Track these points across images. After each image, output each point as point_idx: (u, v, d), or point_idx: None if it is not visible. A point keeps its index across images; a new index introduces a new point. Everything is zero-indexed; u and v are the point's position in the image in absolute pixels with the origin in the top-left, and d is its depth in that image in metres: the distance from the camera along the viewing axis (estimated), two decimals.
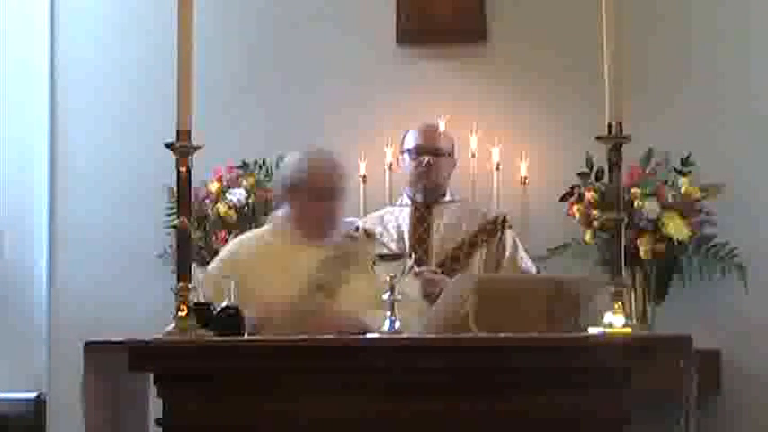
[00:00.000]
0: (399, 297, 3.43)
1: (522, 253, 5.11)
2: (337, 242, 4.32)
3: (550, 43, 6.00)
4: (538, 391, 3.19)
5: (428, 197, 5.18)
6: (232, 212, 5.84)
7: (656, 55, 5.93)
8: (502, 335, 3.29)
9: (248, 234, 4.61)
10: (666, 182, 5.71)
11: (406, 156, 5.20)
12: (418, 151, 5.15)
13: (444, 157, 5.17)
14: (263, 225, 5.71)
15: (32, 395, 5.84)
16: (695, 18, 6.01)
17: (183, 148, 3.33)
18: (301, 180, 4.31)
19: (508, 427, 3.20)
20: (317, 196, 4.29)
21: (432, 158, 5.11)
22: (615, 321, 3.27)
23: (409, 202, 5.20)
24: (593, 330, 3.29)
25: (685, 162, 5.73)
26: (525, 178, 5.83)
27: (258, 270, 4.18)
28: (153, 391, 3.29)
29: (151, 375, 3.29)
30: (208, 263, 5.73)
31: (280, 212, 4.45)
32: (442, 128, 5.37)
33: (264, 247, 4.31)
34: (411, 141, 5.20)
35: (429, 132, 5.21)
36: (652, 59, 5.89)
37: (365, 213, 5.42)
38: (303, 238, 4.31)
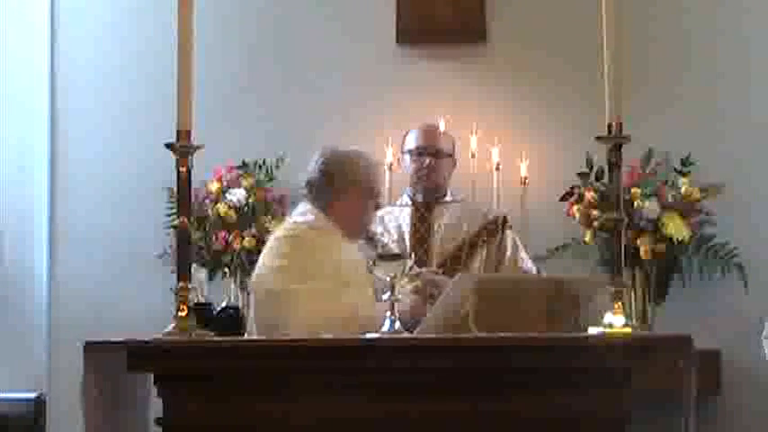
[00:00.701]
0: (400, 297, 3.43)
1: (522, 254, 5.10)
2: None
3: (550, 43, 6.00)
4: (538, 391, 3.19)
5: (428, 197, 5.17)
6: (232, 212, 5.84)
7: (656, 55, 5.93)
8: (502, 335, 3.29)
9: (295, 233, 4.24)
10: (666, 182, 5.71)
11: (407, 156, 5.19)
12: (419, 152, 5.14)
13: (445, 157, 5.16)
14: (264, 225, 5.75)
15: (32, 395, 5.83)
16: (695, 18, 6.00)
17: (183, 148, 3.32)
18: (363, 178, 4.23)
19: (508, 427, 3.20)
20: (373, 194, 4.28)
21: (432, 159, 5.11)
22: (615, 321, 3.27)
23: (409, 202, 5.20)
24: (593, 330, 3.29)
25: (685, 162, 5.73)
26: (525, 178, 5.83)
27: (345, 274, 4.13)
28: (153, 391, 3.29)
29: (151, 375, 3.30)
30: (207, 263, 5.77)
31: (310, 210, 4.34)
32: (442, 127, 5.37)
33: (328, 249, 4.18)
34: (412, 142, 5.19)
35: (430, 133, 5.21)
36: (652, 59, 5.89)
37: None
38: (344, 237, 4.23)
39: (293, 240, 4.16)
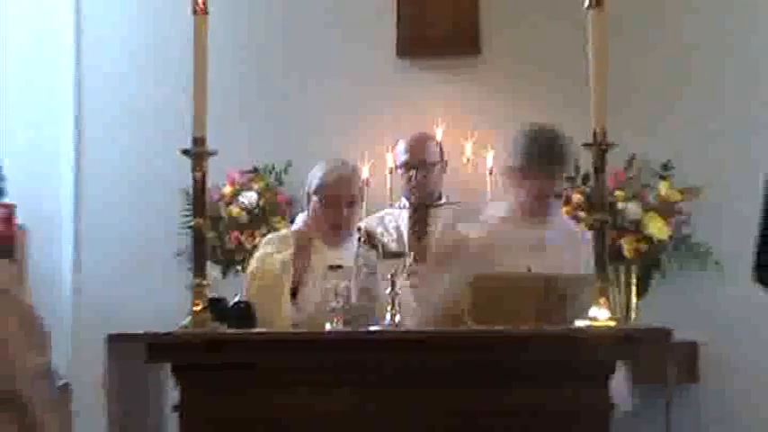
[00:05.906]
0: (399, 293, 3.43)
1: None
2: None
3: (542, 56, 5.99)
4: (532, 383, 3.18)
5: (424, 202, 5.20)
6: (244, 214, 5.85)
7: (640, 71, 5.91)
8: (502, 330, 3.28)
9: (275, 234, 4.45)
10: (647, 186, 5.72)
11: (398, 169, 5.24)
12: (406, 167, 5.17)
13: (433, 166, 5.18)
14: (274, 225, 5.75)
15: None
16: (671, 31, 6.00)
17: (198, 153, 3.34)
18: (316, 183, 4.30)
19: (506, 422, 3.19)
20: (323, 198, 4.31)
21: (421, 173, 5.13)
22: (599, 315, 3.27)
23: (407, 205, 5.22)
24: (579, 324, 3.28)
25: (666, 167, 5.74)
26: None
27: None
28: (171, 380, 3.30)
29: (169, 366, 3.30)
30: (220, 261, 5.76)
31: (301, 219, 4.39)
32: (439, 136, 5.37)
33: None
34: (400, 156, 5.23)
35: (416, 146, 5.22)
36: (635, 75, 5.88)
37: (367, 215, 5.42)
38: (323, 243, 4.27)
39: (268, 238, 4.35)
